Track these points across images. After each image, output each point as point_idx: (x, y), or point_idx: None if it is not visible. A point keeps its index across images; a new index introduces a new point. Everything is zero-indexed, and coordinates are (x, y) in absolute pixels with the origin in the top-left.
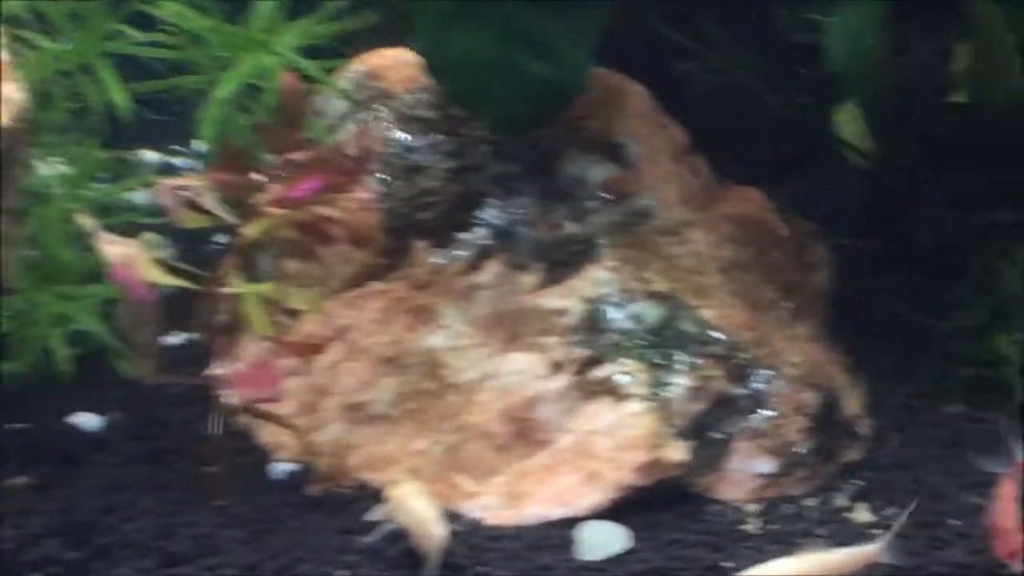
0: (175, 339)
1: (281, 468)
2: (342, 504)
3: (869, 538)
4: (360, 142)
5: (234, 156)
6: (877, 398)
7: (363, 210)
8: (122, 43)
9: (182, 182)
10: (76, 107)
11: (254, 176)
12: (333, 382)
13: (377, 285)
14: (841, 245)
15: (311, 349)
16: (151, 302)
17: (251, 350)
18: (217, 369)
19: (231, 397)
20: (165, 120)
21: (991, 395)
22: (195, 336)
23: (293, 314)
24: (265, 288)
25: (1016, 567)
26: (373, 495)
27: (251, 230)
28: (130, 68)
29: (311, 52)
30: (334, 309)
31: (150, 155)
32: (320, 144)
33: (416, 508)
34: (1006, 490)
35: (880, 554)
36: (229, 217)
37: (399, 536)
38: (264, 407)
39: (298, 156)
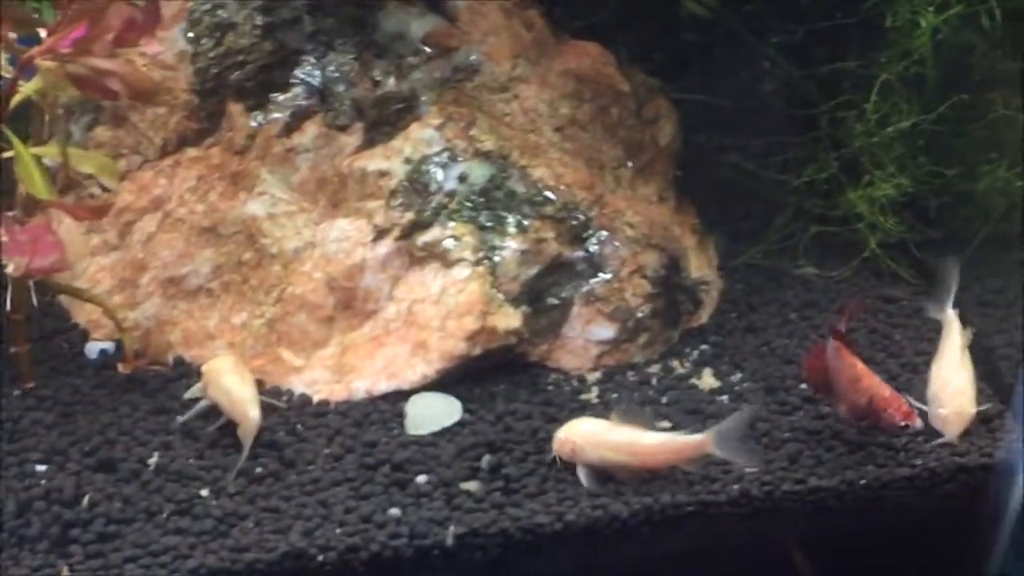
0: None
1: (96, 347)
2: (158, 383)
3: (714, 404)
4: None
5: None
6: (726, 259)
7: (154, 65)
8: None
9: None
10: None
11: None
12: (149, 256)
13: (192, 151)
14: (684, 99)
15: (95, 213)
16: None
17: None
18: None
19: (11, 267)
20: None
21: (841, 254)
22: None
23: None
24: (46, 151)
25: (917, 423)
26: (191, 373)
27: (28, 87)
28: None
29: None
30: (148, 178)
31: None
32: None
33: (230, 386)
34: (860, 367)
35: (707, 445)
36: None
37: (215, 413)
38: (64, 281)
39: (77, 7)
